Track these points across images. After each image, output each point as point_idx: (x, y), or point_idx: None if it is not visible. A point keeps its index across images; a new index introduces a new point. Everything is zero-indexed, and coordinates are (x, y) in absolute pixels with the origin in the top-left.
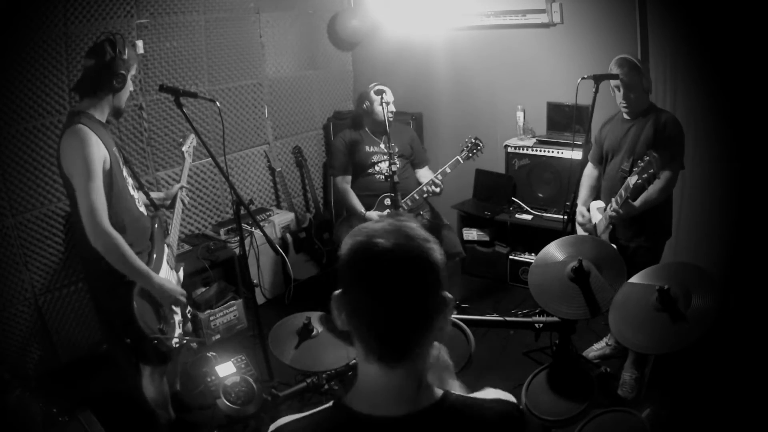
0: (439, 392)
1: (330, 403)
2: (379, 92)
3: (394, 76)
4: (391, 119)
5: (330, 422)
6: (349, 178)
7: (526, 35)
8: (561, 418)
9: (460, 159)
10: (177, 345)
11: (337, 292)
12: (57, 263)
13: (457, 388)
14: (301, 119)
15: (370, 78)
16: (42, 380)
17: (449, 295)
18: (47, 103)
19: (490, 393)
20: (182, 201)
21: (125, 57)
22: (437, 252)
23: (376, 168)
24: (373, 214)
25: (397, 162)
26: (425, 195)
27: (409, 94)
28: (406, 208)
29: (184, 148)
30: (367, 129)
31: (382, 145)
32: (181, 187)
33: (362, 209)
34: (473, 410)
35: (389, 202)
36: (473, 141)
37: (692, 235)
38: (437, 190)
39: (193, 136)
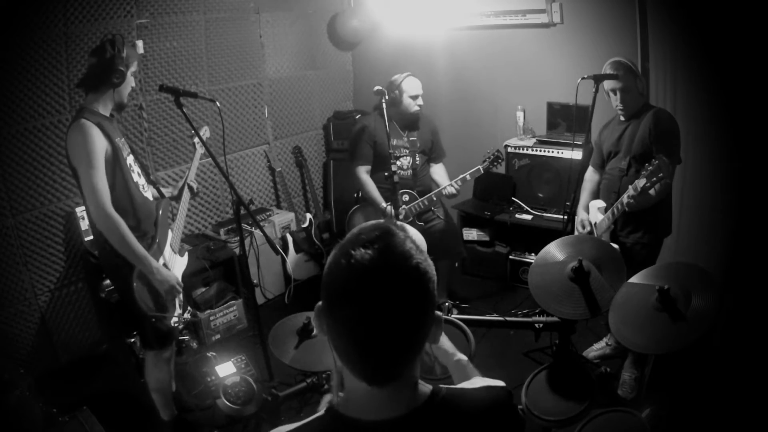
0: (428, 388)
1: (322, 411)
2: (414, 95)
3: (394, 76)
4: (418, 111)
5: (326, 430)
6: (369, 167)
7: (526, 35)
8: (561, 418)
9: (481, 168)
10: (176, 324)
11: (320, 304)
12: (57, 263)
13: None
14: (301, 119)
15: (370, 78)
16: (42, 380)
17: (440, 314)
18: (47, 103)
19: (477, 382)
20: (190, 186)
21: (124, 55)
22: (432, 281)
23: (398, 162)
24: (391, 211)
25: (418, 159)
26: (441, 196)
27: None
28: (421, 207)
29: (196, 140)
30: (393, 120)
31: (405, 139)
32: (187, 179)
33: (383, 203)
34: (464, 401)
35: (407, 198)
36: (495, 153)
37: (692, 235)
38: (452, 191)
39: (206, 127)
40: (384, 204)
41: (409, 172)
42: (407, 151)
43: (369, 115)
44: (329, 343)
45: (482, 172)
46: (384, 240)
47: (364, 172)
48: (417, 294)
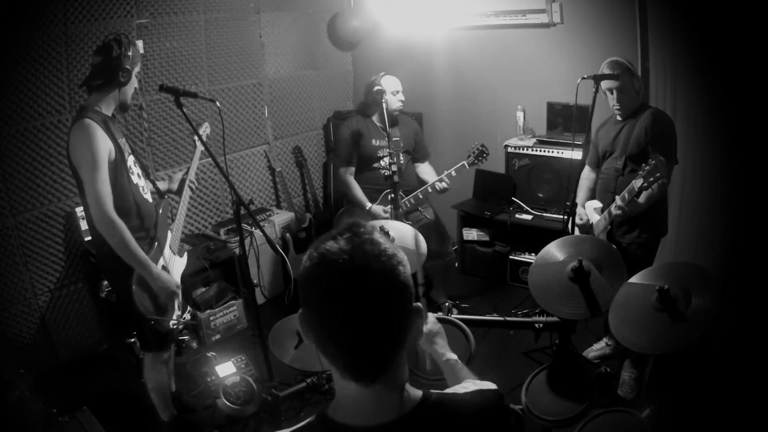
0: (418, 393)
1: (313, 417)
2: (395, 90)
3: (394, 75)
4: (401, 108)
5: None
6: (352, 169)
7: (526, 35)
8: (561, 418)
9: (466, 164)
10: (175, 326)
11: (301, 311)
12: (57, 263)
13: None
14: (301, 119)
15: (370, 78)
16: (42, 380)
17: (419, 305)
18: (47, 103)
19: (469, 386)
20: (190, 186)
21: (130, 54)
22: (403, 264)
23: (382, 162)
24: (378, 208)
25: (402, 158)
26: (428, 193)
27: (409, 94)
28: (408, 206)
29: (195, 137)
30: (374, 119)
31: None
32: (187, 172)
33: (367, 203)
34: (454, 406)
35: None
36: (480, 148)
37: (692, 235)
38: (444, 186)
39: (206, 124)
40: (369, 205)
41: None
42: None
43: (352, 117)
44: (314, 346)
45: (467, 167)
46: (350, 233)
47: (347, 174)
48: (388, 281)
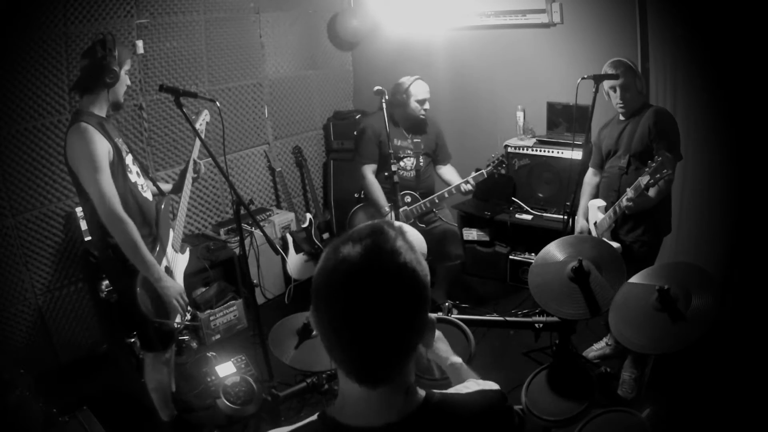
0: (422, 393)
1: (315, 416)
2: (421, 99)
3: (394, 75)
4: (424, 116)
5: None
6: (374, 167)
7: (526, 35)
8: (561, 418)
9: (484, 173)
10: (179, 326)
11: (312, 311)
12: (57, 263)
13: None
14: (301, 119)
15: (370, 78)
16: (42, 380)
17: (432, 317)
18: (47, 103)
19: (471, 385)
20: (196, 171)
21: (115, 54)
22: (424, 278)
23: (401, 163)
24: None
25: (422, 161)
26: (445, 198)
27: None
28: (424, 209)
29: (197, 125)
30: (398, 121)
31: (410, 141)
32: (193, 160)
33: (385, 206)
34: (457, 406)
35: (409, 199)
36: (500, 158)
37: (692, 235)
38: (470, 188)
39: (205, 111)
40: (387, 208)
41: (412, 173)
42: (411, 152)
43: (374, 114)
44: (324, 347)
45: (485, 176)
46: (373, 238)
47: (370, 172)
48: (404, 293)
